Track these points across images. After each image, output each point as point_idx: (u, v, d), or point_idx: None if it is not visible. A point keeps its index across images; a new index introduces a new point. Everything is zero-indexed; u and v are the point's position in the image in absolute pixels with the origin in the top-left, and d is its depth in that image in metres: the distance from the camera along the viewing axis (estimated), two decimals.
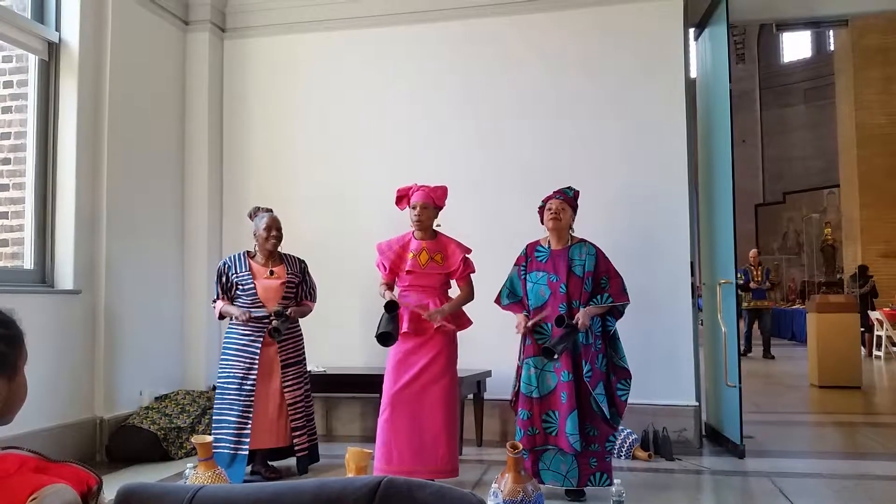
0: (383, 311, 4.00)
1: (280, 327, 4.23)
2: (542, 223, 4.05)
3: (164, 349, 5.51)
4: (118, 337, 5.07)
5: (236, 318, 4.33)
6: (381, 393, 4.12)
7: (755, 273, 11.69)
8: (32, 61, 4.83)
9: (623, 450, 4.76)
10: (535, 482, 3.49)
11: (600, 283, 3.89)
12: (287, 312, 4.33)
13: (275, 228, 4.44)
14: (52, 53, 4.87)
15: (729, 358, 4.84)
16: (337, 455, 4.59)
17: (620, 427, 4.79)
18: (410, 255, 4.13)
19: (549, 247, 4.01)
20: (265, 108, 5.97)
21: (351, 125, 5.78)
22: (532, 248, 4.07)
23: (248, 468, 4.38)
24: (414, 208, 4.12)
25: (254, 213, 4.58)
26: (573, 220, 4.02)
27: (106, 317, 4.97)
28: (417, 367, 4.01)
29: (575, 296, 3.86)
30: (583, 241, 4.01)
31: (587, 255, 3.92)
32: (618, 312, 3.94)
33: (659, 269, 5.13)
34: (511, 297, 4.05)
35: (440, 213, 4.24)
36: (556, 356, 3.68)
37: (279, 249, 4.55)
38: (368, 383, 4.89)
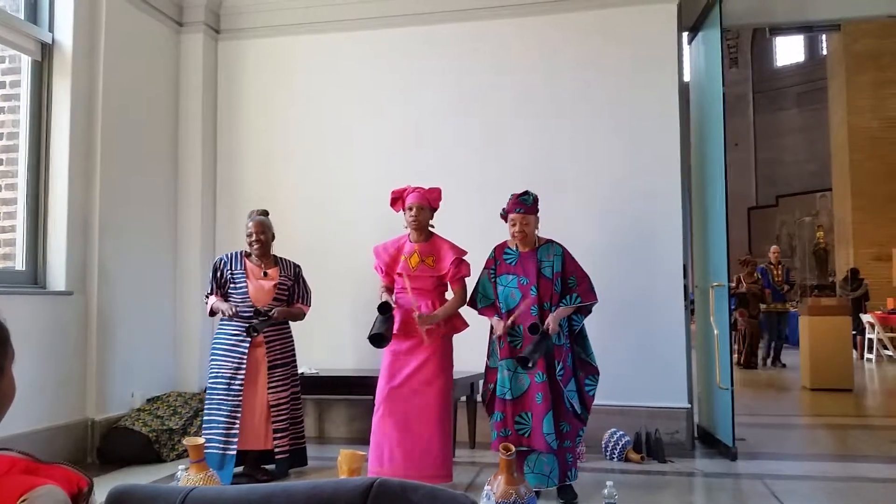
0: (377, 312, 4.01)
1: (258, 326, 4.23)
2: (506, 224, 4.04)
3: (156, 351, 5.49)
4: (110, 338, 5.05)
5: (223, 311, 4.32)
6: (374, 395, 4.13)
7: (775, 273, 10.72)
8: (25, 62, 4.82)
9: (616, 452, 4.77)
10: (527, 484, 3.50)
11: (568, 283, 3.93)
12: (270, 313, 4.33)
13: (258, 233, 4.45)
14: (45, 54, 4.85)
15: (721, 360, 4.85)
16: (329, 457, 4.58)
17: (613, 429, 4.83)
18: (403, 258, 4.14)
19: (517, 249, 4.01)
20: (259, 110, 5.96)
21: (345, 127, 5.77)
22: (500, 250, 4.06)
23: (240, 469, 4.38)
24: (410, 209, 4.12)
25: (248, 215, 4.61)
26: (538, 224, 4.01)
27: (98, 318, 4.95)
28: (409, 370, 4.01)
29: (546, 297, 3.89)
30: (549, 241, 4.02)
31: (555, 255, 3.95)
32: (585, 310, 3.98)
33: (652, 271, 5.14)
34: (484, 300, 4.05)
35: (435, 214, 4.25)
36: (530, 364, 3.70)
37: (274, 253, 4.57)
38: (361, 385, 4.88)
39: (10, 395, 1.31)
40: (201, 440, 3.78)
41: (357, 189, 5.67)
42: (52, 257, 4.81)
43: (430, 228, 4.23)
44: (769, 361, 11.01)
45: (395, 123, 5.69)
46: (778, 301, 10.77)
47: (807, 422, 6.78)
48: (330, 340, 5.54)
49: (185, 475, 3.65)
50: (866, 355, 11.69)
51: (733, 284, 10.66)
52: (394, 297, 4.14)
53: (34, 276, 4.76)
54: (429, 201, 4.16)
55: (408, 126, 5.67)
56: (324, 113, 5.82)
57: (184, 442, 3.92)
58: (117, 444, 4.81)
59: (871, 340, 11.61)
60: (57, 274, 4.79)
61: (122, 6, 5.22)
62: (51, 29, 4.86)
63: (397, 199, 4.23)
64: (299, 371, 5.05)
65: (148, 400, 5.26)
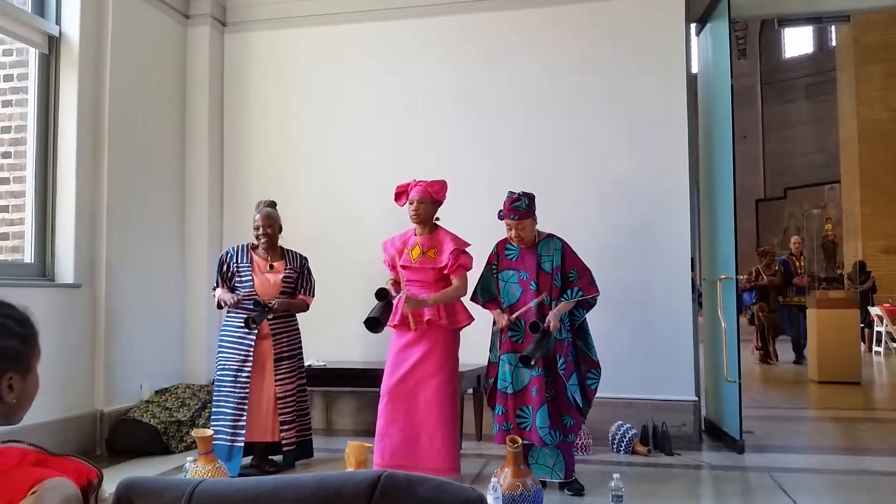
0: (375, 299, 4.02)
1: (257, 318, 4.21)
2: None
3: (164, 343, 5.51)
4: (118, 331, 5.07)
5: (226, 302, 4.35)
6: (380, 387, 4.14)
7: (798, 264, 10.05)
8: (33, 55, 4.83)
9: (622, 444, 4.77)
10: (534, 476, 3.50)
11: (568, 276, 3.94)
12: (271, 304, 4.31)
13: (265, 226, 4.42)
14: (52, 47, 4.86)
15: (728, 353, 4.85)
16: (337, 449, 4.60)
17: (620, 422, 4.83)
18: (406, 251, 4.15)
19: (518, 245, 4.03)
20: (265, 103, 5.96)
21: (351, 119, 5.77)
22: (502, 246, 4.09)
23: (249, 460, 4.40)
24: (411, 203, 4.12)
25: (256, 207, 4.59)
26: (536, 222, 4.01)
27: (106, 310, 4.98)
28: (412, 362, 4.02)
29: (545, 292, 3.91)
30: (550, 236, 4.04)
31: (555, 250, 3.96)
32: (587, 304, 3.98)
33: (659, 264, 5.13)
34: (486, 295, 4.08)
35: (441, 207, 4.24)
36: (533, 363, 3.71)
37: (280, 244, 4.56)
38: (368, 377, 4.89)
39: (34, 393, 1.36)
40: (209, 432, 3.80)
41: (364, 181, 5.67)
42: (61, 250, 4.83)
43: (435, 222, 4.22)
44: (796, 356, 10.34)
45: (400, 116, 5.68)
46: (801, 294, 10.08)
47: (814, 415, 6.77)
48: (338, 333, 5.55)
49: (193, 467, 3.67)
50: (874, 348, 11.65)
51: (745, 277, 10.49)
52: (403, 290, 4.13)
53: (42, 269, 4.78)
54: (431, 194, 4.14)
55: (413, 118, 5.66)
56: (330, 104, 5.82)
57: (192, 434, 3.93)
58: (126, 436, 4.84)
59: (879, 333, 11.57)
60: (65, 267, 4.82)
61: None
62: (58, 22, 4.87)
63: (401, 194, 4.23)
64: (307, 363, 5.06)
65: (156, 392, 5.28)
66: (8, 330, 1.31)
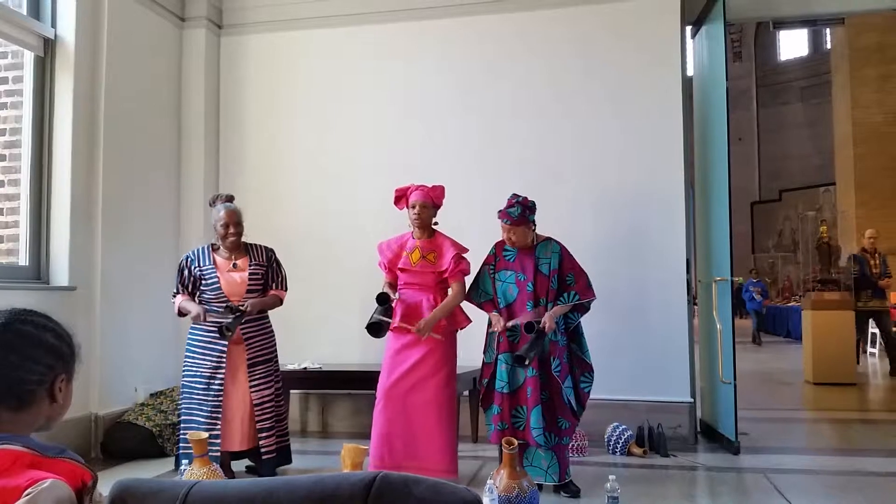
0: (376, 303, 4.03)
1: (231, 326, 3.99)
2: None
3: (159, 346, 5.50)
4: (113, 334, 5.06)
5: (192, 318, 4.12)
6: (376, 389, 4.14)
7: (872, 262, 8.86)
8: (28, 57, 4.82)
9: (618, 446, 4.78)
10: (530, 478, 3.50)
11: (566, 280, 3.96)
12: (242, 308, 4.10)
13: (233, 224, 4.18)
14: (47, 50, 4.85)
15: (724, 354, 4.86)
16: (332, 451, 4.59)
17: (616, 423, 4.84)
18: (405, 254, 4.16)
19: (512, 246, 4.05)
20: (261, 105, 5.96)
21: (347, 122, 5.77)
22: (500, 246, 4.10)
23: (245, 463, 4.39)
24: (413, 207, 4.14)
25: (212, 202, 4.36)
26: (534, 226, 4.02)
27: (101, 313, 4.96)
28: (410, 364, 4.03)
29: (542, 294, 3.93)
30: (548, 239, 4.06)
31: (553, 253, 3.98)
32: (583, 308, 4.00)
33: (655, 266, 5.14)
34: (483, 295, 4.09)
35: (438, 211, 4.25)
36: (527, 362, 3.72)
37: (244, 240, 4.31)
38: (364, 379, 4.88)
39: (69, 404, 1.44)
40: (205, 435, 3.78)
41: (361, 183, 5.66)
42: (55, 253, 4.81)
43: (433, 226, 4.24)
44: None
45: (396, 118, 5.68)
46: (877, 298, 8.91)
47: (809, 416, 6.78)
48: (334, 335, 5.54)
49: (188, 470, 3.66)
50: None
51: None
52: (397, 293, 4.15)
53: (37, 272, 4.77)
54: (432, 199, 4.18)
55: (410, 120, 5.66)
56: (325, 108, 5.82)
57: (187, 436, 3.92)
58: (121, 439, 4.82)
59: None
60: (60, 269, 4.80)
61: (124, 1, 5.22)
62: (53, 24, 4.86)
63: (401, 198, 4.25)
64: (302, 366, 5.06)
65: (151, 395, 5.27)
66: (62, 336, 1.44)
